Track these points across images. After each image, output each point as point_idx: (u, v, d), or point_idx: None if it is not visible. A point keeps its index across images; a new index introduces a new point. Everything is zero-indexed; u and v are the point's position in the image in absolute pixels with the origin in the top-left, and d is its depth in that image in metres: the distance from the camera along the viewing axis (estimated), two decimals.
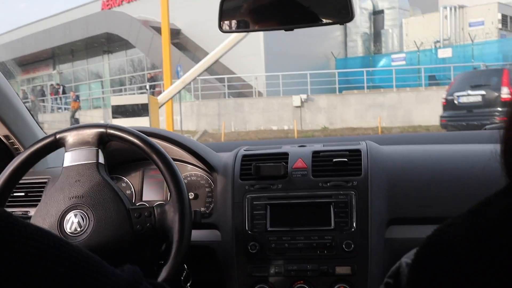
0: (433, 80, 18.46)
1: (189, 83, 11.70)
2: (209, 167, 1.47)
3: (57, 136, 1.19)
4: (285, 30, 1.24)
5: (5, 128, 1.54)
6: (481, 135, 1.73)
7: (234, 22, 1.28)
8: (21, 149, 1.61)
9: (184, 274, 1.39)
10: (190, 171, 1.50)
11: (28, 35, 26.31)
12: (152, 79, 21.54)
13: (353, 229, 1.31)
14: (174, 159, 1.20)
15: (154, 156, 1.14)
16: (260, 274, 1.34)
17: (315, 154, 1.44)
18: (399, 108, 15.89)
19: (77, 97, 20.64)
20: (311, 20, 1.24)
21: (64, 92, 23.71)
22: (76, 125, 1.23)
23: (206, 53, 21.17)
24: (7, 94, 1.54)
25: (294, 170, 1.40)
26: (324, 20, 1.23)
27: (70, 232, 1.11)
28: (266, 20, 1.28)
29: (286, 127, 16.46)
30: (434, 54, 19.49)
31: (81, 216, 1.12)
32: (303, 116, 16.55)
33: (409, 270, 0.57)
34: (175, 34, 21.22)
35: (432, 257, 0.52)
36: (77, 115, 19.86)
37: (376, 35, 22.51)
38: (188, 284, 1.40)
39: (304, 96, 16.68)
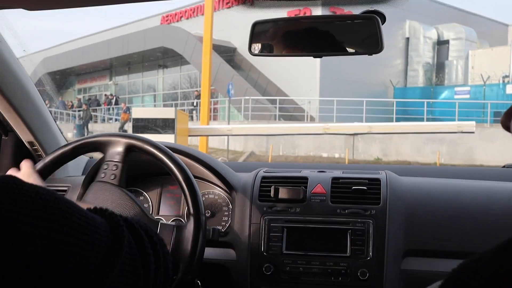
0: (499, 117, 17.05)
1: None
2: (228, 186, 1.47)
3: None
4: (314, 57, 1.23)
5: (30, 135, 1.57)
6: (501, 173, 1.72)
7: (264, 45, 1.28)
8: (44, 155, 1.64)
9: None
10: (208, 188, 1.51)
11: (88, 45, 26.85)
12: (200, 96, 21.29)
13: (369, 258, 1.30)
14: (194, 176, 1.20)
15: (175, 171, 1.15)
16: None
17: (335, 180, 1.44)
18: (461, 144, 15.03)
19: (128, 108, 20.61)
20: (340, 49, 1.25)
21: (117, 103, 23.85)
22: (99, 133, 1.26)
23: (260, 73, 21.18)
24: (35, 102, 1.56)
25: (313, 195, 1.40)
26: (353, 50, 1.24)
27: None
28: (295, 46, 1.28)
29: (337, 155, 15.80)
30: (502, 89, 18.58)
31: None
32: (356, 145, 15.88)
33: None
34: (231, 52, 21.07)
35: None
36: (126, 127, 19.78)
37: (439, 66, 21.97)
38: None
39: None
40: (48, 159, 1.25)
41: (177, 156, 1.21)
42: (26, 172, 1.06)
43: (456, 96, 18.92)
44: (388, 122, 16.15)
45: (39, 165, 1.25)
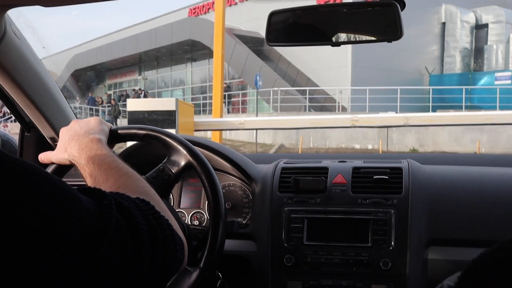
0: None
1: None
2: (248, 178, 1.47)
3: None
4: (332, 46, 1.22)
5: (52, 131, 1.59)
6: None
7: (281, 35, 1.28)
8: None
9: (219, 283, 1.34)
10: (229, 181, 1.51)
11: (117, 41, 26.95)
12: (228, 88, 20.97)
13: (391, 248, 1.30)
14: (214, 168, 1.19)
15: (195, 163, 1.16)
16: None
17: (356, 170, 1.43)
18: (502, 132, 14.39)
19: None
20: (359, 36, 1.24)
21: (145, 97, 23.75)
22: (121, 126, 1.25)
23: (289, 63, 20.76)
24: (56, 98, 1.57)
25: (334, 185, 1.40)
26: (372, 37, 1.23)
27: None
28: (313, 35, 1.27)
29: (370, 147, 15.27)
30: None
31: None
32: (390, 136, 15.31)
33: None
34: (259, 43, 20.74)
35: (478, 282, 0.51)
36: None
37: (477, 51, 21.15)
38: None
39: (392, 114, 15.24)
40: (126, 128, 1.23)
41: (196, 148, 1.19)
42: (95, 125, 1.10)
43: (496, 82, 18.30)
44: (427, 113, 15.48)
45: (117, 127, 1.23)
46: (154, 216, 0.71)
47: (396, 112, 15.54)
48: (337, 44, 1.21)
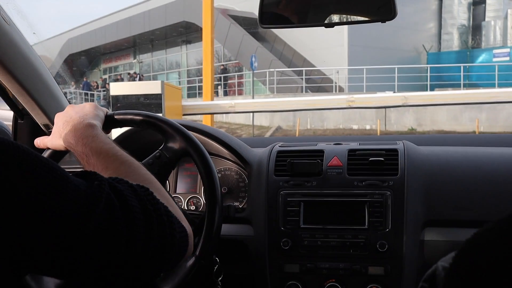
0: None
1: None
2: (244, 162, 1.47)
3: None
4: (326, 27, 1.22)
5: (45, 117, 1.58)
6: None
7: (274, 17, 1.27)
8: None
9: (216, 267, 1.34)
10: (224, 165, 1.51)
11: (110, 24, 26.59)
12: (225, 70, 20.74)
13: (387, 230, 1.30)
14: (209, 153, 1.19)
15: (190, 149, 1.15)
16: (291, 271, 1.34)
17: (351, 152, 1.43)
18: (501, 110, 14.26)
19: None
20: (352, 17, 1.23)
21: (140, 81, 23.53)
22: (117, 111, 1.20)
23: (285, 44, 20.51)
24: (48, 84, 1.56)
25: (329, 168, 1.39)
26: (366, 18, 1.22)
27: None
28: (306, 16, 1.26)
29: (368, 127, 15.16)
30: None
31: None
32: (388, 116, 15.19)
33: (446, 274, 0.56)
34: (255, 23, 20.43)
35: (471, 263, 0.51)
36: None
37: (475, 28, 20.93)
38: (219, 279, 1.35)
39: (390, 93, 15.06)
40: (123, 113, 1.20)
41: (191, 133, 1.18)
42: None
43: (495, 59, 18.14)
44: (425, 92, 15.34)
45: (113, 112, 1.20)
46: (151, 202, 0.71)
47: (394, 91, 15.43)
48: (331, 25, 1.21)
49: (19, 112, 1.63)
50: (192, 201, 1.50)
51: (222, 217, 1.13)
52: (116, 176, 0.78)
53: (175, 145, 1.17)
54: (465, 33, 20.69)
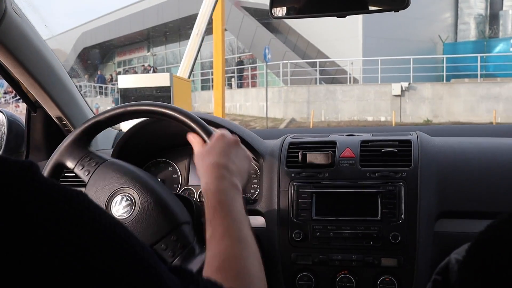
0: None
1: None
2: (256, 154, 1.46)
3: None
4: (338, 17, 1.21)
5: (57, 110, 1.59)
6: None
7: (285, 8, 1.26)
8: (72, 130, 1.61)
9: None
10: None
11: (124, 17, 26.61)
12: (241, 63, 20.65)
13: (400, 221, 1.29)
14: None
15: (206, 138, 1.14)
16: (304, 262, 1.34)
17: (364, 143, 1.42)
18: None
19: None
20: (365, 6, 1.22)
21: (154, 73, 23.56)
22: (138, 102, 1.24)
23: (299, 35, 20.35)
24: (61, 77, 1.57)
25: (342, 159, 1.39)
26: (378, 7, 1.21)
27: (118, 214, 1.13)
28: (318, 6, 1.25)
29: (383, 118, 15.00)
30: None
31: (128, 198, 1.14)
32: (403, 107, 15.02)
33: (459, 267, 0.55)
34: (267, 14, 20.28)
35: (485, 255, 0.50)
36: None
37: (492, 17, 20.54)
38: None
39: (405, 84, 15.08)
40: (80, 128, 1.24)
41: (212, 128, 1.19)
42: None
43: None
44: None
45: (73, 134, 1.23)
46: None
47: (409, 83, 15.22)
48: (343, 15, 1.20)
49: (32, 105, 1.64)
50: None
51: None
52: (223, 230, 0.79)
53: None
54: (482, 23, 20.31)
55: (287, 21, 20.36)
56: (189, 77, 8.61)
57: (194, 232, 1.16)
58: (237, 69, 20.51)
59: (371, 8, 1.21)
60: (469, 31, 20.27)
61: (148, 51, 28.83)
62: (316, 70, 17.15)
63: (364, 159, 1.37)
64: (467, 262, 0.52)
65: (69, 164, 1.21)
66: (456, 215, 1.31)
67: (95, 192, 1.15)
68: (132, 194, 1.13)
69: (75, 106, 1.68)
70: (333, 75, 18.02)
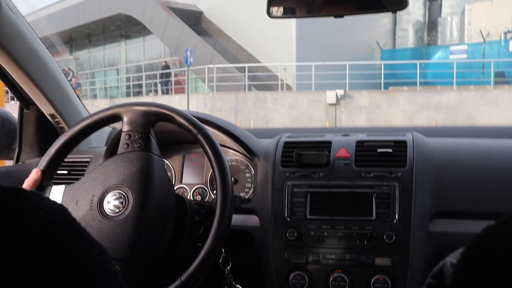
0: (502, 78, 15.97)
1: None
2: (250, 153, 1.49)
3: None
4: (335, 17, 1.24)
5: (51, 107, 1.60)
6: None
7: (282, 8, 1.28)
8: (66, 128, 1.70)
9: (221, 257, 1.39)
10: (231, 156, 1.54)
11: (42, 17, 24.52)
12: (167, 67, 19.05)
13: (395, 221, 1.32)
14: None
15: (202, 140, 1.18)
16: (297, 261, 1.37)
17: (359, 143, 1.45)
18: (460, 110, 13.68)
19: (79, 84, 18.41)
20: (362, 7, 1.25)
21: (74, 78, 21.58)
22: (127, 103, 1.27)
23: (229, 39, 18.99)
24: (54, 74, 1.59)
25: (337, 159, 1.42)
26: (376, 8, 1.25)
27: (110, 211, 1.13)
28: (315, 7, 1.27)
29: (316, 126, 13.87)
30: (504, 46, 16.92)
31: (121, 196, 1.14)
32: (339, 116, 14.21)
33: (454, 271, 0.56)
34: (196, 17, 18.88)
35: (480, 259, 0.50)
36: None
37: (431, 24, 20.30)
38: (228, 267, 1.40)
39: (341, 92, 14.26)
40: (67, 135, 1.24)
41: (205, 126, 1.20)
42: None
43: (451, 57, 17.39)
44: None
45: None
46: None
47: (345, 90, 14.28)
48: (340, 15, 1.22)
49: (25, 102, 1.66)
50: (198, 192, 1.51)
51: (232, 209, 1.15)
52: None
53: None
54: (420, 30, 20.03)
55: (217, 23, 19.02)
56: None
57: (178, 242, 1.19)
58: (162, 73, 18.83)
59: (369, 9, 1.23)
60: (408, 38, 20.00)
61: (71, 54, 26.76)
62: (245, 75, 15.78)
63: (359, 159, 1.39)
64: (462, 266, 0.52)
65: None
66: (451, 216, 1.33)
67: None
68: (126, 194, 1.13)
69: (69, 104, 1.69)
70: (264, 82, 16.75)
